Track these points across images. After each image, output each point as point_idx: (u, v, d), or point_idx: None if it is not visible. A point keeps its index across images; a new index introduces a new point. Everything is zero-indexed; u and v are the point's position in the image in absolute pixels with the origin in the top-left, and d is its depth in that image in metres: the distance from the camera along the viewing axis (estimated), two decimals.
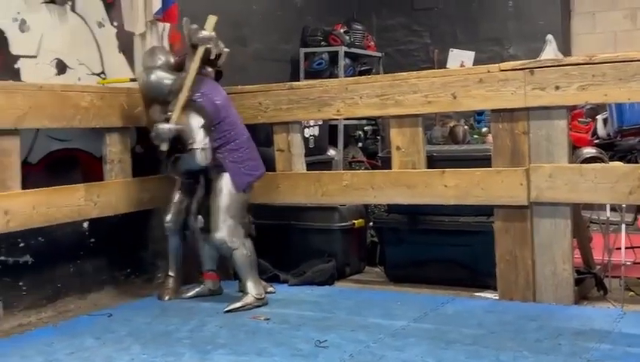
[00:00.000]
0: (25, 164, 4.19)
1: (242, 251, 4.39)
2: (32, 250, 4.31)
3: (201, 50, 4.40)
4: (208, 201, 4.44)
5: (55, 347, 3.67)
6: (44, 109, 4.16)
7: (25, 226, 4.08)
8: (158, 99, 4.49)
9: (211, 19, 4.47)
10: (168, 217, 4.64)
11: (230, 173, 4.40)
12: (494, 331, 3.67)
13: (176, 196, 4.64)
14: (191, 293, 4.64)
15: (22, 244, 4.26)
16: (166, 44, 5.03)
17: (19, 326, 4.16)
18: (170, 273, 4.68)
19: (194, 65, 4.37)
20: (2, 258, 4.17)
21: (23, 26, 4.30)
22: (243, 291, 4.40)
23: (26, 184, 4.10)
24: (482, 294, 4.47)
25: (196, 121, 4.34)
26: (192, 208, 4.58)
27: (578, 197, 4.12)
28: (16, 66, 4.26)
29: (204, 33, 4.42)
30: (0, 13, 4.17)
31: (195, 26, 4.43)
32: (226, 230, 4.34)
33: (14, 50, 4.25)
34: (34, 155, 4.37)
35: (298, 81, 6.49)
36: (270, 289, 4.63)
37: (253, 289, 4.36)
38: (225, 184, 4.39)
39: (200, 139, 4.31)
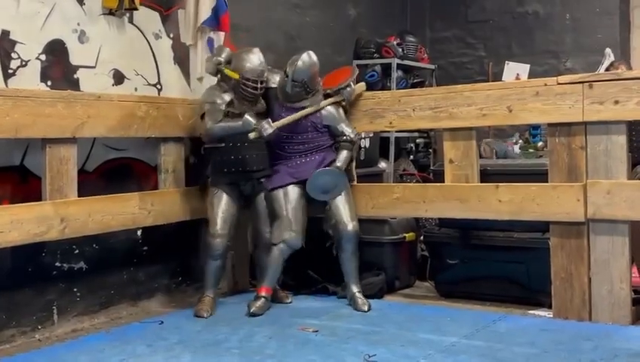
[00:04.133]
0: (81, 172, 4.27)
1: None
2: (86, 257, 4.40)
3: (338, 98, 4.78)
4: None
5: (107, 353, 3.72)
6: (101, 119, 4.24)
7: (80, 233, 4.16)
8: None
9: (360, 86, 4.99)
10: (218, 241, 4.47)
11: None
12: (548, 350, 3.59)
13: (220, 214, 4.50)
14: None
15: (77, 251, 4.35)
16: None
17: (72, 331, 4.24)
18: (209, 294, 4.52)
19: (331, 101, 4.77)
20: (57, 264, 4.26)
21: (82, 37, 4.40)
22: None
23: (82, 192, 4.18)
24: (536, 312, 4.39)
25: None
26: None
27: (637, 215, 4.00)
28: (75, 76, 4.37)
29: (348, 91, 4.81)
30: (60, 24, 4.27)
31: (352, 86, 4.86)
32: None
33: (74, 60, 4.35)
34: (90, 164, 4.46)
35: None
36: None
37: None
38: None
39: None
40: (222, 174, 4.57)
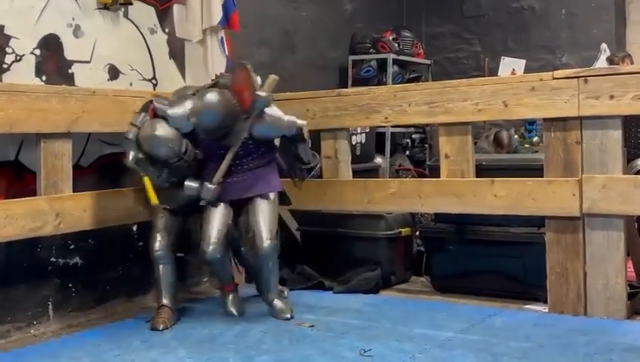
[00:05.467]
0: (76, 167, 4.26)
1: None
2: (81, 252, 4.38)
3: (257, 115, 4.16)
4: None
5: (102, 348, 3.72)
6: (96, 114, 4.22)
7: (75, 228, 4.16)
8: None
9: (271, 80, 4.19)
10: (157, 245, 4.19)
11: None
12: (543, 345, 3.59)
13: (161, 222, 4.23)
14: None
15: (72, 246, 4.34)
16: (226, 49, 5.06)
17: (68, 326, 4.24)
18: (165, 302, 4.18)
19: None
20: (53, 259, 4.25)
21: (77, 32, 4.39)
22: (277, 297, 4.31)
23: (77, 187, 4.17)
24: (531, 306, 4.38)
25: None
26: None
27: (633, 209, 4.01)
28: (70, 71, 4.35)
29: (261, 102, 4.13)
30: (55, 19, 4.26)
31: (258, 81, 4.16)
32: None
33: (69, 55, 4.34)
34: (85, 159, 4.44)
35: (346, 88, 6.48)
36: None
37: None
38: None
39: None
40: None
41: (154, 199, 4.12)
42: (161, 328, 4.02)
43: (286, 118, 4.28)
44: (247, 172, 4.28)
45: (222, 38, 5.03)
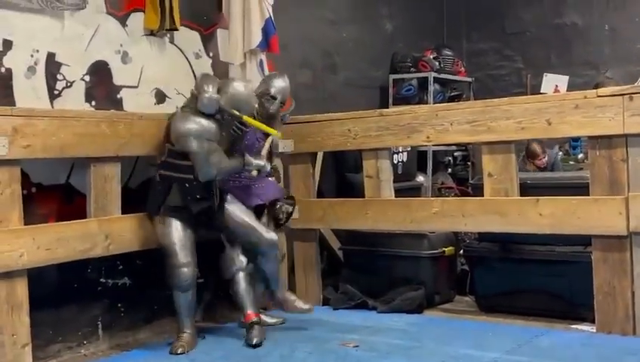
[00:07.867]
0: (125, 189, 4.36)
1: None
2: (130, 273, 4.48)
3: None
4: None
5: None
6: (144, 138, 4.31)
7: (124, 250, 4.24)
8: None
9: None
10: (185, 270, 4.11)
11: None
12: None
13: (179, 242, 4.14)
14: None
15: (121, 267, 4.43)
16: (266, 71, 5.13)
17: (117, 346, 4.32)
18: (187, 330, 4.15)
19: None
20: (102, 280, 4.35)
21: (125, 58, 4.51)
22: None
23: (126, 209, 4.26)
24: (579, 326, 4.33)
25: None
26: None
27: None
28: (118, 96, 4.48)
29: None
30: (104, 46, 4.39)
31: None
32: None
33: (117, 80, 4.46)
34: (134, 181, 4.54)
35: (387, 107, 6.50)
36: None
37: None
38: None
39: None
40: (186, 202, 4.16)
41: (274, 130, 4.44)
42: (179, 352, 4.00)
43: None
44: (259, 180, 4.52)
45: (261, 60, 5.10)
